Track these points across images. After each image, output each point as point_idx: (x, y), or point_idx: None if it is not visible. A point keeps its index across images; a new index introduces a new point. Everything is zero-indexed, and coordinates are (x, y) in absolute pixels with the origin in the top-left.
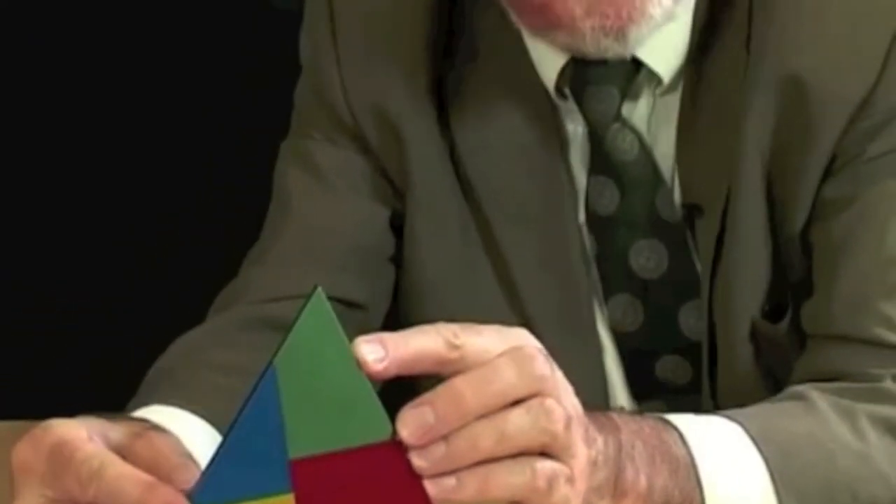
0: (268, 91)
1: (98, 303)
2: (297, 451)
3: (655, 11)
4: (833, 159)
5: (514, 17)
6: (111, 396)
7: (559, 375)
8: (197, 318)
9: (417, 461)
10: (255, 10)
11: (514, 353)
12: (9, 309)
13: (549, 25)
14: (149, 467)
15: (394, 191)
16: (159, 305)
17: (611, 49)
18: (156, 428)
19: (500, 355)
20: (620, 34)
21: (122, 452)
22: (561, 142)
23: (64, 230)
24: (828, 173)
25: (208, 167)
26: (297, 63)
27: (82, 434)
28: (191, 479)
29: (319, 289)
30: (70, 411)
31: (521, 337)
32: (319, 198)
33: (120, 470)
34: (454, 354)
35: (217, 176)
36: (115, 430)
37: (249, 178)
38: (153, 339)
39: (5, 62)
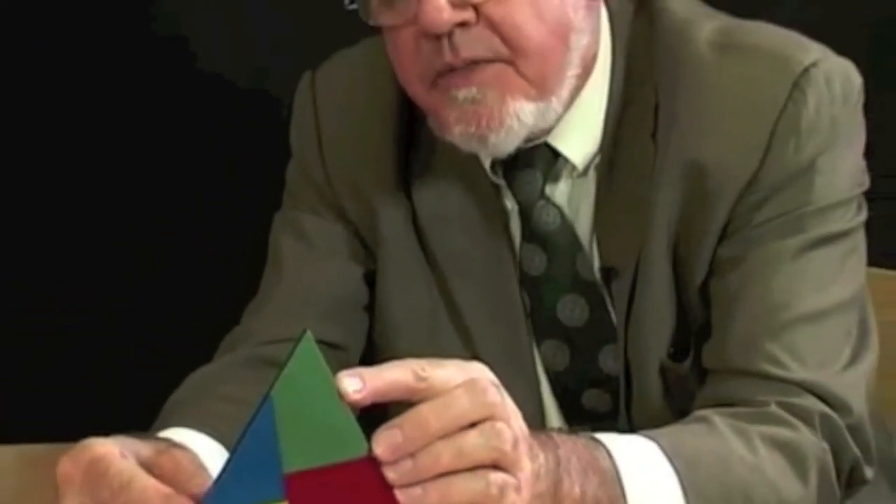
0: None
1: (98, 303)
2: (290, 466)
3: (514, 123)
4: (726, 226)
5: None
6: (111, 396)
7: (508, 402)
8: (197, 317)
9: (390, 474)
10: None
11: (471, 384)
12: (9, 309)
13: (439, 128)
14: (171, 477)
15: (367, 252)
16: (159, 305)
17: (476, 150)
18: (177, 446)
19: (459, 386)
20: (482, 139)
21: (150, 465)
22: (501, 215)
23: (64, 230)
24: (723, 237)
25: (208, 167)
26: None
27: (115, 451)
28: (205, 486)
29: (308, 333)
30: (70, 411)
31: (478, 370)
32: (306, 259)
33: (145, 483)
34: (421, 385)
35: (216, 176)
36: (145, 447)
37: (248, 180)
38: (153, 339)
39: (6, 62)
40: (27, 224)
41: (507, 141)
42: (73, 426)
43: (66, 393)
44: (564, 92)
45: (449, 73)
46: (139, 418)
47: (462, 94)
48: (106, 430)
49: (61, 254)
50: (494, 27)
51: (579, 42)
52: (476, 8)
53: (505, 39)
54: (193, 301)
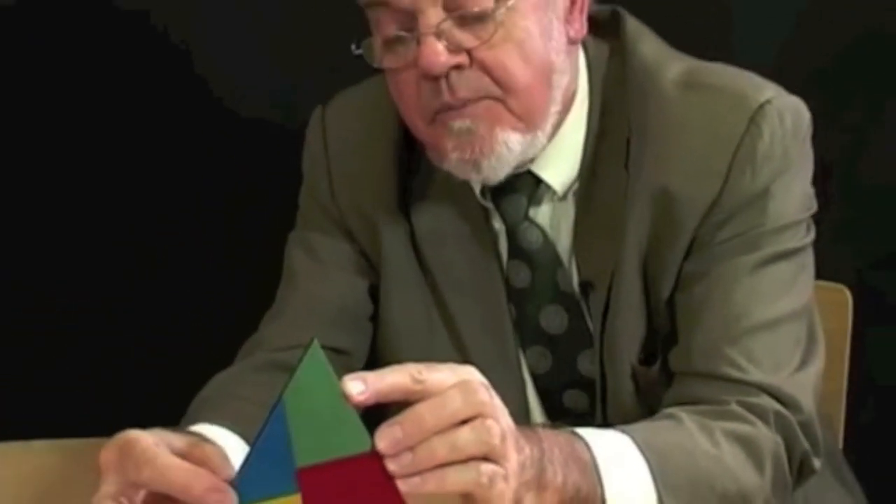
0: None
1: (98, 303)
2: (302, 461)
3: (504, 151)
4: (691, 245)
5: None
6: (111, 396)
7: (497, 401)
8: (196, 318)
9: (391, 466)
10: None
11: (463, 385)
12: (9, 309)
13: (437, 157)
14: (201, 466)
15: (371, 267)
16: (159, 305)
17: (470, 175)
18: (205, 439)
19: (452, 387)
20: (476, 165)
21: (181, 455)
22: (490, 235)
23: (64, 230)
24: (688, 255)
25: (208, 168)
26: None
27: (148, 438)
28: (229, 476)
29: (316, 341)
30: (70, 411)
31: (469, 373)
32: (317, 274)
33: (169, 461)
34: (418, 387)
35: (216, 177)
36: (177, 439)
37: (247, 182)
38: (153, 339)
39: (6, 63)
40: (27, 224)
41: (497, 167)
42: (73, 425)
43: (66, 393)
44: (548, 125)
45: (446, 111)
46: (139, 418)
47: (457, 124)
48: (105, 430)
49: (61, 254)
50: (486, 69)
51: (561, 82)
52: (469, 53)
53: (495, 80)
54: (193, 302)
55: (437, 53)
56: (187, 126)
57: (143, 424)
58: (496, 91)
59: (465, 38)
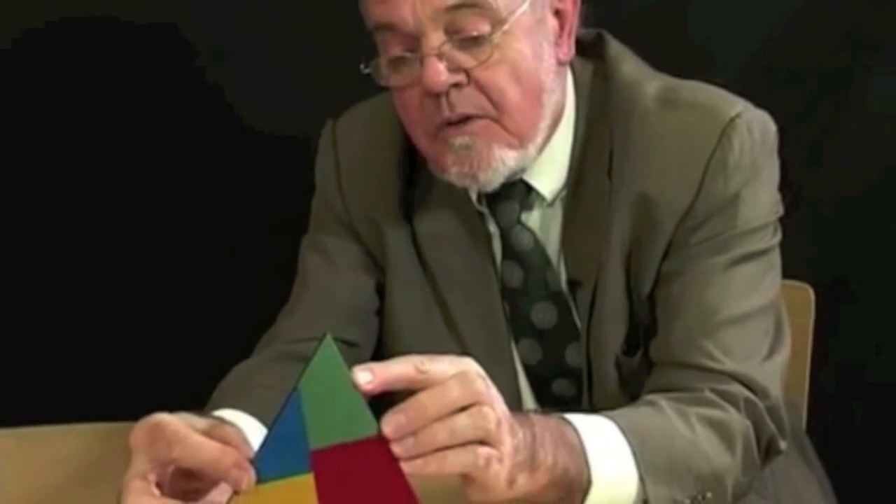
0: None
1: (103, 303)
2: (315, 443)
3: (499, 165)
4: (669, 246)
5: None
6: (112, 396)
7: (493, 390)
8: (217, 315)
9: (396, 449)
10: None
11: (461, 375)
12: (9, 309)
13: (438, 169)
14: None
15: (377, 267)
16: (187, 306)
17: (468, 186)
18: (226, 422)
19: (452, 377)
20: (474, 177)
21: (204, 435)
22: (486, 237)
23: (64, 230)
24: (666, 255)
25: (208, 169)
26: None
27: (175, 420)
28: (248, 456)
29: (328, 335)
30: (70, 410)
31: (468, 364)
32: (328, 273)
33: (199, 439)
34: (421, 377)
35: (239, 187)
36: (200, 422)
37: (265, 190)
38: (154, 339)
39: (7, 64)
40: (27, 224)
41: (493, 179)
42: (105, 411)
43: (65, 394)
44: (539, 140)
45: (447, 126)
46: (167, 405)
47: (458, 141)
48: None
49: (61, 253)
50: (482, 88)
51: (550, 99)
52: (467, 72)
53: (490, 99)
54: (192, 302)
55: (439, 73)
56: (213, 141)
57: (169, 410)
58: (491, 110)
59: (464, 58)
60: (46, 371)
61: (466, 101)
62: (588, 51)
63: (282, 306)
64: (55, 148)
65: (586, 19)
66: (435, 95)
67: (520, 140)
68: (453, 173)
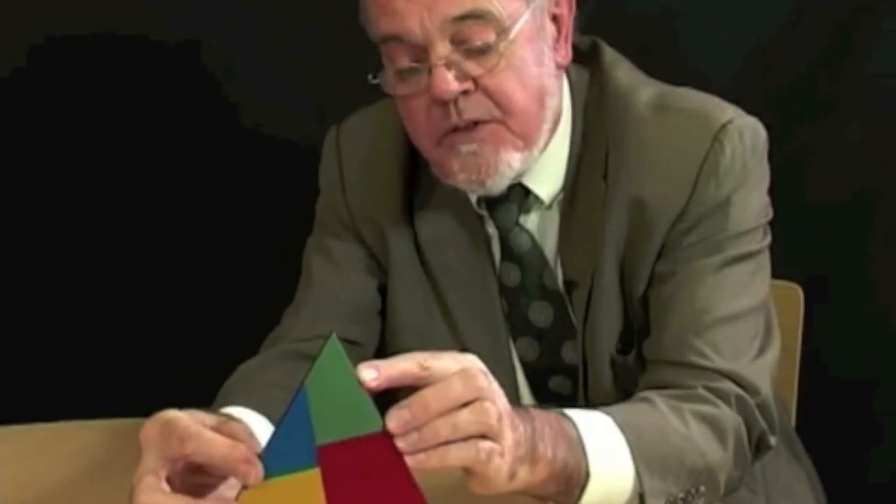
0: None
1: (113, 303)
2: (321, 438)
3: (506, 170)
4: (662, 248)
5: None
6: (122, 393)
7: (495, 386)
8: (204, 318)
9: (400, 444)
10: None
11: (464, 372)
12: (21, 308)
13: (443, 175)
14: None
15: (379, 268)
16: (169, 306)
17: (475, 191)
18: (233, 419)
19: (454, 374)
20: (481, 183)
21: (213, 432)
22: (485, 239)
23: (64, 231)
24: (659, 256)
25: (216, 173)
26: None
27: (185, 416)
28: (255, 451)
29: (333, 333)
30: (80, 407)
31: (470, 361)
32: (332, 274)
33: (210, 435)
34: (424, 373)
35: (225, 181)
36: (208, 418)
37: (270, 193)
38: (162, 338)
39: (8, 64)
40: (27, 224)
41: (499, 184)
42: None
43: (66, 393)
44: (542, 142)
45: (453, 132)
46: (176, 402)
47: (465, 148)
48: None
49: (61, 254)
50: (489, 94)
51: (552, 103)
52: (475, 80)
53: (497, 104)
54: (193, 302)
55: (448, 82)
56: (220, 145)
57: (177, 407)
58: (498, 114)
59: (471, 67)
60: (58, 369)
61: (474, 107)
62: (583, 57)
63: (286, 306)
64: (62, 150)
65: (582, 25)
66: (443, 103)
67: (525, 142)
68: (460, 179)
